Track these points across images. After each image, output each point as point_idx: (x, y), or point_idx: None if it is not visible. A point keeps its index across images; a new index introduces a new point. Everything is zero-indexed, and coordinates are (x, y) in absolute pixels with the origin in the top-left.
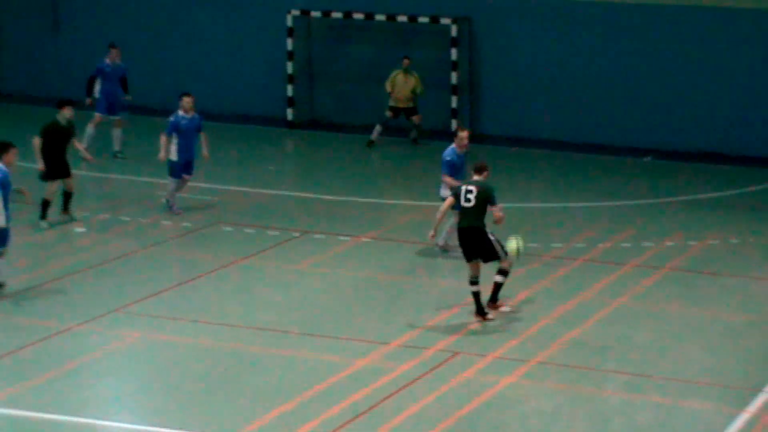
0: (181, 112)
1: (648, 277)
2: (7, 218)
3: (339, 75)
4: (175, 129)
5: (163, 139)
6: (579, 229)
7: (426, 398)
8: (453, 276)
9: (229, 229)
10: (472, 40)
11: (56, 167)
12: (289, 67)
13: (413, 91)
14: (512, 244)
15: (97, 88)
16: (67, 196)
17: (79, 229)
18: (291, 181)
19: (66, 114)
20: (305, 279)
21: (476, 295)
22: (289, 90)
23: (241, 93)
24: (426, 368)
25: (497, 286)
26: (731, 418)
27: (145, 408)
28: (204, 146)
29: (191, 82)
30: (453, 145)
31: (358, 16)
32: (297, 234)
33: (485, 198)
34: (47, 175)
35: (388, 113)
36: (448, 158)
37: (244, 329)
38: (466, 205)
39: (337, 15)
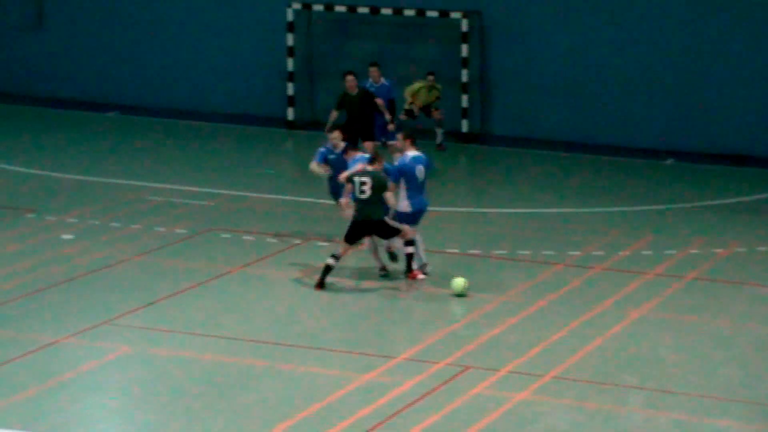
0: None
1: (670, 286)
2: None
3: (341, 73)
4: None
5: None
6: (596, 236)
7: (434, 416)
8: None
9: (226, 236)
10: (483, 35)
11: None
12: (290, 64)
13: (436, 98)
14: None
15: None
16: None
17: (67, 236)
18: (290, 186)
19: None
20: (305, 288)
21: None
22: (290, 89)
23: (239, 92)
24: (434, 384)
25: (410, 256)
26: None
27: (134, 426)
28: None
29: (184, 79)
30: None
31: (363, 10)
32: (298, 241)
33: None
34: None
35: (403, 116)
36: None
37: (240, 341)
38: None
39: (340, 9)
